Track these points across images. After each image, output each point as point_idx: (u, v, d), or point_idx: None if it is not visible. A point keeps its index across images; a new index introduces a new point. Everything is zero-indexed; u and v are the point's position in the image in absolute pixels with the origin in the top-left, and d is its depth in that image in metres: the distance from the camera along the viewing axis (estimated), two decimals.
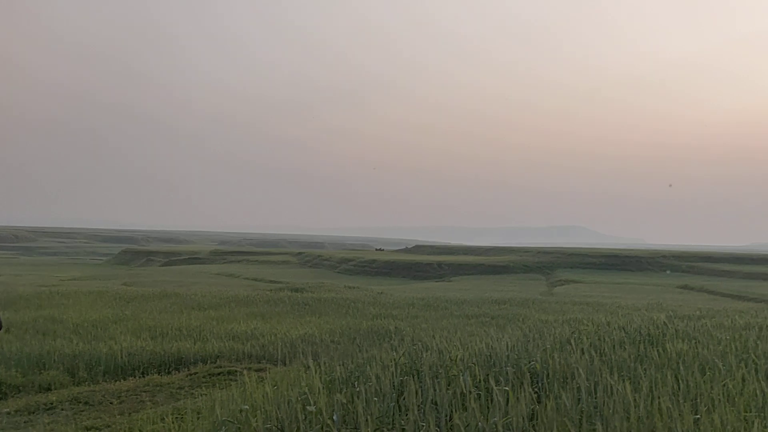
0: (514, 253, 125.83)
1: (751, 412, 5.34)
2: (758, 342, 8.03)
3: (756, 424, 4.66)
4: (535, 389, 6.30)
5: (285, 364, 13.55)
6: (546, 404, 5.36)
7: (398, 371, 6.92)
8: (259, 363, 15.38)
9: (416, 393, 5.94)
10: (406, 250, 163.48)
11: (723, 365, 6.47)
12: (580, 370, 6.21)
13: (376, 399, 5.84)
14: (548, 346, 7.95)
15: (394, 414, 5.65)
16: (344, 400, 5.77)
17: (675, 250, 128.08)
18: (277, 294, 40.14)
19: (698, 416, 4.99)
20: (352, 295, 41.72)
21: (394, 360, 7.77)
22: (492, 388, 5.92)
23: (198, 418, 7.47)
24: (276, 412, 5.74)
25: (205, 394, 10.44)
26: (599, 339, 8.51)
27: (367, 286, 65.89)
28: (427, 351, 8.59)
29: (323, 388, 6.33)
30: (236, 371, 13.48)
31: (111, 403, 11.33)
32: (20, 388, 13.11)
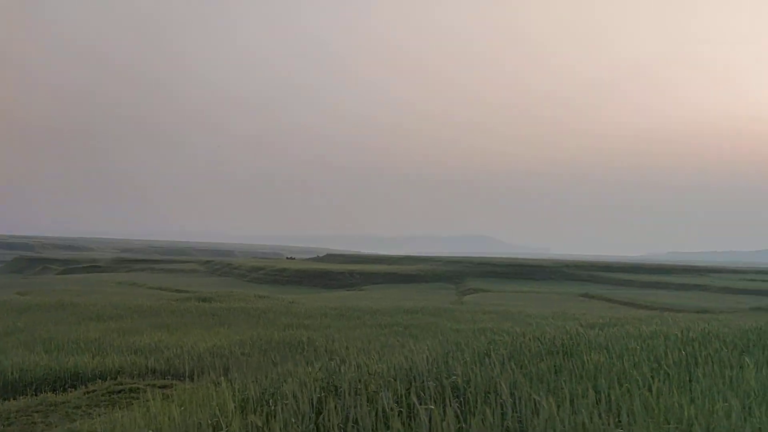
0: (425, 262, 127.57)
1: (670, 424, 5.37)
2: (668, 351, 8.21)
3: None
4: (458, 405, 6.13)
5: (192, 380, 12.85)
6: (470, 422, 5.20)
7: (316, 388, 6.59)
8: (164, 379, 14.55)
9: (336, 411, 5.65)
10: (318, 259, 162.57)
11: (639, 376, 6.52)
12: (503, 385, 6.10)
13: (294, 420, 5.50)
14: (468, 358, 7.83)
15: None
16: (259, 423, 5.39)
17: (577, 260, 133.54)
18: (184, 304, 38.73)
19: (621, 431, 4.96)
20: (263, 305, 40.80)
21: (312, 375, 7.45)
22: (414, 405, 5.72)
23: None
24: None
25: (104, 415, 9.71)
26: (517, 350, 8.48)
27: (278, 295, 64.83)
28: (344, 364, 8.30)
29: (236, 408, 5.92)
30: (139, 389, 12.66)
31: None
32: None
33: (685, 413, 5.41)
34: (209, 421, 5.61)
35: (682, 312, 54.73)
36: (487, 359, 7.89)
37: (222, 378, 8.84)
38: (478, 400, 5.92)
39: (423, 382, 6.75)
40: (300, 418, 5.56)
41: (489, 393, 6.29)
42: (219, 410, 5.93)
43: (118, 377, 14.70)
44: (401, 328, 26.96)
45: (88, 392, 12.99)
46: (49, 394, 13.20)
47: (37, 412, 11.22)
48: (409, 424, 5.49)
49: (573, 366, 7.26)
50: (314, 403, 6.01)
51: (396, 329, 26.41)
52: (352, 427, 5.34)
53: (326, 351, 18.62)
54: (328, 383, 7.17)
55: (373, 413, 5.51)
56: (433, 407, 5.16)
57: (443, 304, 52.22)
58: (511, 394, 5.99)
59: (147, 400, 7.32)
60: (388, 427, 5.32)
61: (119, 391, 12.91)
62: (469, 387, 6.31)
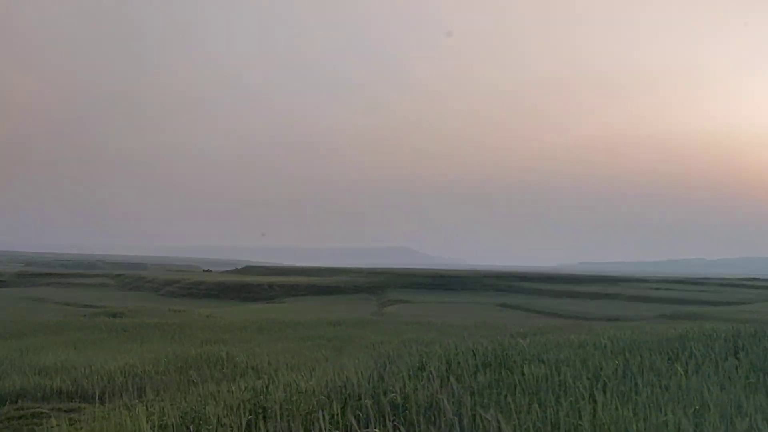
0: (346, 273, 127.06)
1: None
2: (603, 361, 8.13)
3: None
4: (398, 424, 5.76)
5: (103, 403, 11.84)
6: None
7: (244, 411, 6.06)
8: (72, 402, 13.38)
9: None
10: (236, 271, 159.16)
11: (582, 388, 6.35)
12: (445, 401, 5.78)
13: None
14: (403, 373, 7.47)
15: None
16: None
17: (495, 270, 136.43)
18: (93, 320, 36.79)
19: None
20: (179, 320, 39.27)
21: (237, 396, 6.90)
22: (352, 426, 5.31)
23: None
24: None
25: None
26: (452, 363, 8.21)
27: (194, 309, 62.69)
28: (272, 383, 7.77)
29: None
30: (43, 413, 11.52)
31: None
32: None
33: (634, 427, 5.25)
34: None
35: (594, 320, 56.61)
36: (422, 373, 7.57)
37: (136, 401, 8.14)
38: (421, 419, 5.57)
39: (359, 399, 6.35)
40: None
41: (431, 410, 5.96)
42: None
43: (20, 401, 13.44)
44: (325, 340, 26.45)
45: None
46: None
47: None
48: None
49: (513, 379, 7.03)
50: (242, 428, 5.50)
51: (319, 342, 25.87)
52: None
53: (248, 367, 17.87)
54: (255, 404, 6.65)
55: None
56: (377, 430, 4.77)
57: (365, 316, 51.91)
58: (455, 411, 5.68)
59: (51, 427, 6.58)
60: None
61: (20, 417, 11.73)
62: (409, 404, 5.96)
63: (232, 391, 8.35)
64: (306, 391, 7.24)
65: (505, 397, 6.24)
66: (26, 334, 27.30)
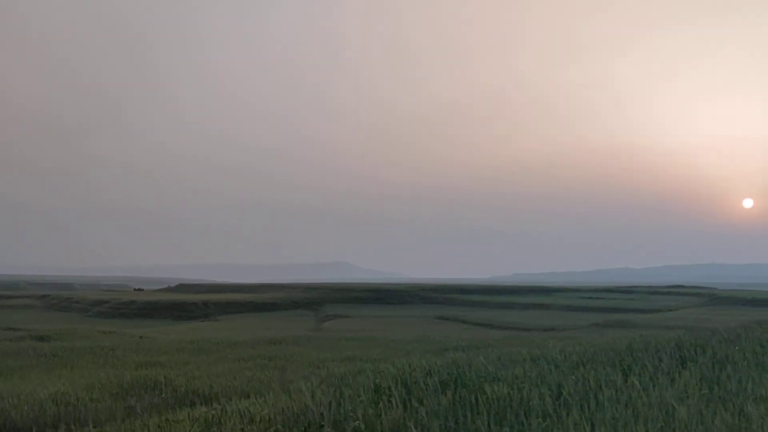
0: (283, 290, 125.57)
1: None
2: (561, 378, 8.09)
3: None
4: None
5: None
6: None
7: None
8: None
9: None
10: (169, 289, 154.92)
11: (550, 408, 6.25)
12: (412, 428, 5.57)
13: None
14: (363, 396, 7.22)
15: None
16: None
17: (432, 283, 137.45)
18: (18, 344, 34.84)
19: None
20: (110, 342, 37.71)
21: (186, 429, 6.50)
22: None
23: None
24: None
25: None
26: (413, 383, 7.99)
27: (125, 330, 60.37)
28: (224, 414, 7.36)
29: None
30: None
31: None
32: None
33: None
34: None
35: (531, 330, 57.65)
36: (381, 396, 7.33)
37: None
38: None
39: (321, 427, 6.07)
40: None
41: None
42: None
43: None
44: (266, 360, 25.78)
45: None
46: None
47: None
48: None
49: (475, 399, 6.88)
50: None
51: (260, 362, 25.19)
52: None
53: (188, 391, 17.16)
54: None
55: None
56: None
57: (304, 332, 51.22)
58: None
59: None
60: None
61: None
62: (374, 431, 5.72)
63: (178, 421, 7.90)
64: (261, 420, 6.89)
65: (472, 420, 6.08)
66: None
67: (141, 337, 45.53)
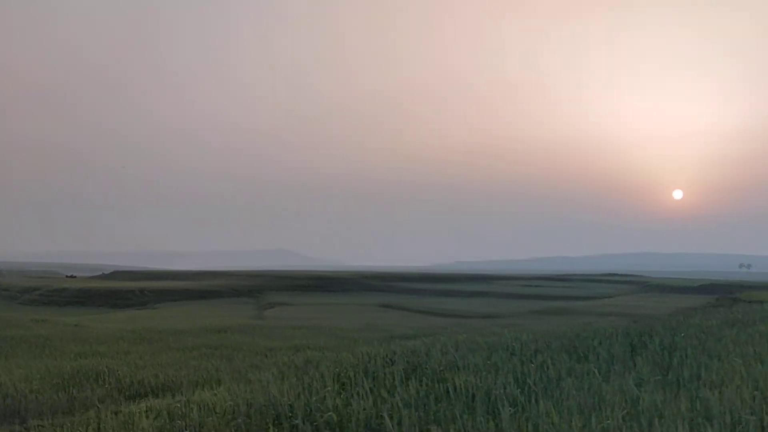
0: (223, 277, 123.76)
1: None
2: (522, 366, 8.20)
3: None
4: None
5: None
6: None
7: None
8: None
9: None
10: (103, 276, 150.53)
11: (521, 397, 6.32)
12: (387, 419, 5.54)
13: None
14: (329, 387, 7.14)
15: None
16: None
17: (374, 271, 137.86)
18: None
19: None
20: (45, 331, 36.27)
21: (148, 423, 6.29)
22: None
23: None
24: None
25: None
26: (378, 373, 7.96)
27: (59, 318, 58.31)
28: (187, 405, 7.16)
29: None
30: None
31: None
32: None
33: None
34: None
35: (473, 318, 58.53)
36: (351, 387, 7.27)
37: (18, 427, 7.27)
38: None
39: (292, 421, 5.96)
40: None
41: (370, 428, 5.69)
42: None
43: None
44: (211, 349, 25.30)
45: None
46: None
47: None
48: None
49: (442, 389, 6.90)
50: None
51: (206, 351, 24.71)
52: None
53: (133, 381, 16.68)
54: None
55: None
56: None
57: (247, 320, 50.50)
58: (397, 429, 5.45)
59: None
60: None
61: None
62: (351, 423, 5.66)
63: (135, 413, 7.64)
64: (225, 412, 6.74)
65: (443, 410, 6.09)
66: None
67: (76, 325, 44.03)
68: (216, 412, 6.76)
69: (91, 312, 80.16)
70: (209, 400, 7.53)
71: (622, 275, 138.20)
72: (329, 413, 5.89)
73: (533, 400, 6.36)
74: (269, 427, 5.60)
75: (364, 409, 5.98)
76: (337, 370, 9.24)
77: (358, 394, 6.60)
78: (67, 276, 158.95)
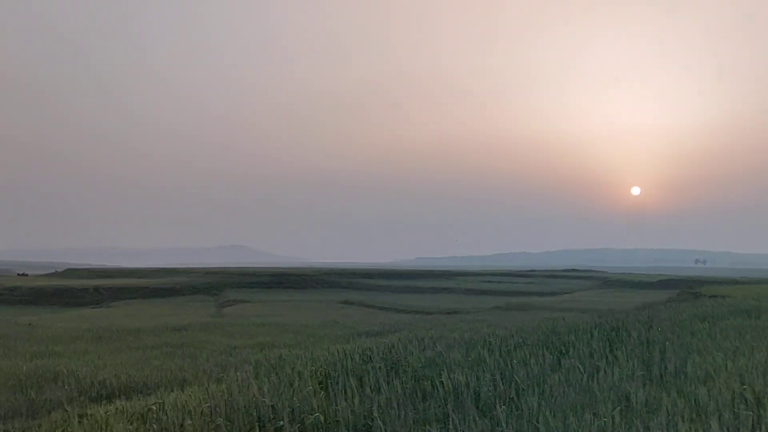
0: (180, 274, 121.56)
1: None
2: (506, 363, 8.04)
3: None
4: None
5: None
6: None
7: None
8: None
9: None
10: (56, 274, 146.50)
11: (510, 395, 6.14)
12: (378, 419, 5.29)
13: None
14: (310, 386, 6.85)
15: None
16: None
17: (335, 268, 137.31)
18: None
19: None
20: None
21: (124, 427, 5.92)
22: None
23: None
24: None
25: None
26: (361, 372, 7.69)
27: (10, 317, 56.52)
28: (160, 408, 6.78)
29: None
30: None
31: None
32: None
33: None
34: None
35: (435, 314, 58.65)
36: (335, 386, 6.98)
37: None
38: None
39: (276, 422, 5.67)
40: None
41: (360, 429, 5.44)
42: None
43: None
44: (173, 348, 24.70)
45: None
46: None
47: None
48: None
49: (428, 387, 6.68)
50: None
51: (167, 350, 24.11)
52: None
53: (94, 382, 16.09)
54: None
55: None
56: None
57: (207, 318, 49.64)
58: (391, 430, 5.20)
59: None
60: None
61: None
62: (339, 424, 5.39)
63: (107, 415, 7.23)
64: (202, 413, 6.40)
65: (433, 409, 5.87)
66: None
67: (29, 324, 42.70)
68: (193, 415, 6.41)
69: (45, 311, 77.86)
70: (184, 401, 7.17)
71: (582, 271, 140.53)
72: (316, 414, 5.62)
73: (524, 398, 6.18)
74: (254, 430, 5.29)
75: (352, 410, 5.72)
76: (314, 368, 8.95)
77: (343, 392, 6.34)
78: (18, 274, 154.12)
